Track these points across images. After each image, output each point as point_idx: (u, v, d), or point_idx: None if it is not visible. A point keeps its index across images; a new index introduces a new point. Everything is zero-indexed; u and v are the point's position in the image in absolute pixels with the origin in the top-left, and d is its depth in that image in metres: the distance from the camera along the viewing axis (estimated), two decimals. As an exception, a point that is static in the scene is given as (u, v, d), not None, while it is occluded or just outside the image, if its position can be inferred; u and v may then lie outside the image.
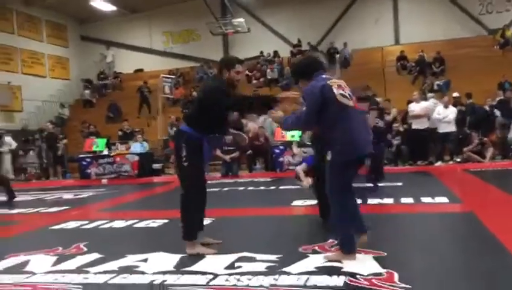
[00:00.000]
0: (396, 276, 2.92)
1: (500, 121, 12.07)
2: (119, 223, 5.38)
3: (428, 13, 19.07)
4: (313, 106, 3.31)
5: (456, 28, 18.75)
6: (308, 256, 3.49)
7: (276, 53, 20.08)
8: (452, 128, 11.57)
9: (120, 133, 15.32)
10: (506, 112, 12.00)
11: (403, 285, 2.76)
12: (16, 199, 8.76)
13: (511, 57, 16.89)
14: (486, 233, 4.02)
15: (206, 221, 5.17)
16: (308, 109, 3.35)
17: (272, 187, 8.70)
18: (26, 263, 3.75)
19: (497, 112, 12.22)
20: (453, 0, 19.01)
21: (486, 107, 12.52)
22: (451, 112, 11.63)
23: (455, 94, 13.11)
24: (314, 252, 3.61)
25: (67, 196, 9.14)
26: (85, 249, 4.12)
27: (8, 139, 14.34)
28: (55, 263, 3.69)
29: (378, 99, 8.77)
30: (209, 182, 10.62)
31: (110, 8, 20.43)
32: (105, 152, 13.64)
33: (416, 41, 18.71)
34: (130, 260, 3.65)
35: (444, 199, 5.96)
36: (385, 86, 17.34)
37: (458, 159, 11.69)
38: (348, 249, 3.33)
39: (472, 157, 11.50)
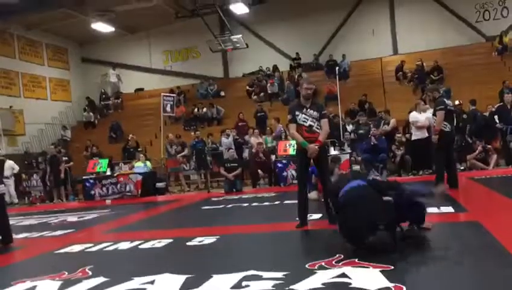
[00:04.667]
0: (404, 290, 2.90)
1: (500, 127, 12.03)
2: (124, 245, 5.36)
3: (425, 22, 19.18)
4: None
5: (453, 36, 18.84)
6: (315, 272, 3.46)
7: (275, 67, 20.20)
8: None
9: (126, 146, 15.47)
10: (505, 117, 11.94)
11: (412, 299, 2.73)
12: (21, 223, 8.76)
13: (510, 62, 16.94)
14: (492, 242, 3.99)
15: (211, 239, 5.17)
16: None
17: (277, 202, 8.67)
18: (32, 289, 3.73)
19: (496, 118, 12.18)
20: (449, 8, 19.13)
21: (487, 114, 12.50)
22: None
23: (457, 102, 13.10)
24: (321, 268, 3.58)
25: (72, 218, 9.12)
26: (90, 273, 4.10)
27: (10, 163, 14.37)
28: (61, 289, 3.67)
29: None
30: (213, 199, 10.62)
31: (109, 29, 20.59)
32: (108, 173, 13.65)
33: (414, 50, 18.79)
34: (136, 282, 3.63)
35: (449, 209, 5.93)
36: (385, 96, 17.40)
37: (462, 167, 11.66)
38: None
39: (476, 165, 11.46)
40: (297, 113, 5.49)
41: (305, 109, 5.50)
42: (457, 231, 4.89)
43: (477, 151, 11.55)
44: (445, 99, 8.04)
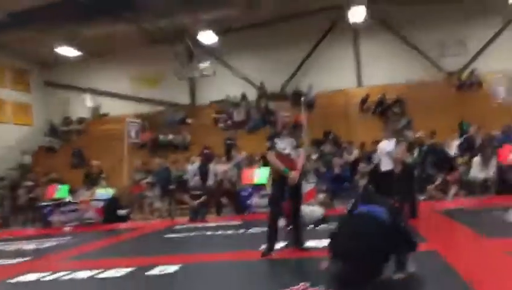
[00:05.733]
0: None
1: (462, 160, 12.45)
2: (81, 274, 5.19)
3: (388, 56, 19.79)
4: None
5: (416, 70, 19.44)
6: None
7: (243, 96, 20.34)
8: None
9: (89, 173, 15.08)
10: (469, 149, 12.39)
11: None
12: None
13: (466, 97, 17.67)
14: (450, 271, 4.07)
15: (173, 268, 5.07)
16: None
17: (241, 230, 8.61)
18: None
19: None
20: (411, 43, 19.83)
21: (446, 149, 12.89)
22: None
23: (418, 134, 13.45)
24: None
25: (29, 246, 8.78)
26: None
27: None
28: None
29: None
30: (176, 226, 10.44)
31: (74, 53, 20.26)
32: (69, 199, 13.27)
33: (378, 83, 19.30)
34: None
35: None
36: (348, 127, 17.74)
37: (422, 197, 11.90)
38: None
39: (436, 196, 11.73)
40: (276, 140, 5.68)
41: (283, 137, 5.70)
42: (415, 260, 4.95)
43: (436, 182, 11.85)
44: (406, 132, 8.29)
